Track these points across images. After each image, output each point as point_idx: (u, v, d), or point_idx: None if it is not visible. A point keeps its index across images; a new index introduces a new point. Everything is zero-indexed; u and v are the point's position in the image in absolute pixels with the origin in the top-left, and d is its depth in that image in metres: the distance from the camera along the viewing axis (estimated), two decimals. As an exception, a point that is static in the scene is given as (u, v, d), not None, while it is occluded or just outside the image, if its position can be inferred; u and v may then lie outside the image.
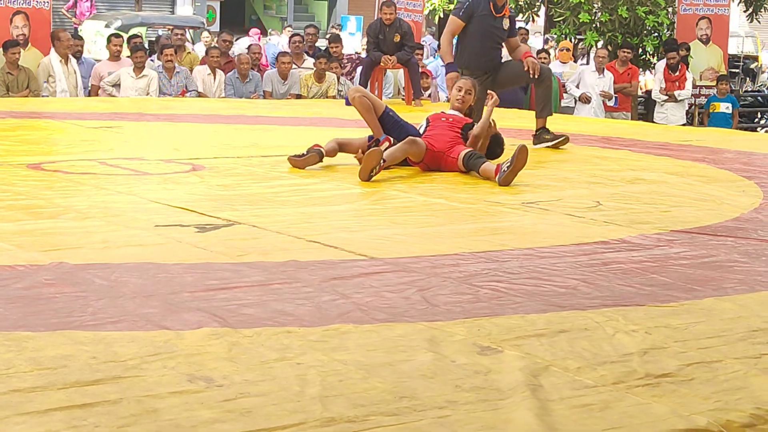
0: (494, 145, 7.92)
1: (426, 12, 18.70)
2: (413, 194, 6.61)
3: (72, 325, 3.47)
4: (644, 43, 17.40)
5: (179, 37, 15.05)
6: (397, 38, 13.50)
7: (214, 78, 14.00)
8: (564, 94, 15.24)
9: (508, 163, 6.93)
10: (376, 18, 14.44)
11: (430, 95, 14.82)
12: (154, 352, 3.22)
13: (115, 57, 13.75)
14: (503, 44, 9.31)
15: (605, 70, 15.19)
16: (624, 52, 15.65)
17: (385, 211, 6.11)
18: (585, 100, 14.87)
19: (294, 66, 14.52)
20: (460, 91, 7.89)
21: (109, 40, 14.08)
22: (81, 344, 3.27)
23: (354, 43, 24.35)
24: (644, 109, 17.47)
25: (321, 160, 7.53)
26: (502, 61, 9.39)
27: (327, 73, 14.40)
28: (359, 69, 14.50)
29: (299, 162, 7.45)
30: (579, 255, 4.91)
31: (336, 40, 15.93)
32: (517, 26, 9.29)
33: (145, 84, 13.28)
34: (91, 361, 3.12)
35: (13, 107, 11.20)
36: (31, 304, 3.72)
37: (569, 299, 4.07)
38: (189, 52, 15.14)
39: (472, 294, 4.09)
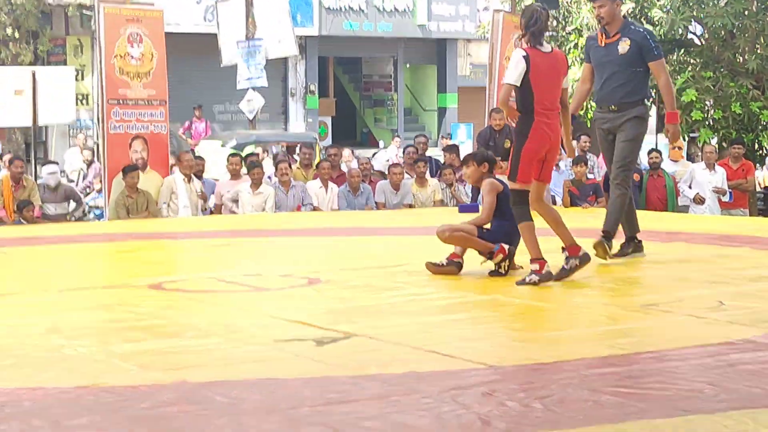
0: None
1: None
2: (529, 299, 6.54)
3: (194, 443, 3.49)
4: (759, 139, 17.16)
5: (307, 156, 15.32)
6: (508, 144, 13.54)
7: (326, 191, 14.18)
8: (680, 194, 15.04)
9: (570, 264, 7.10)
10: (486, 125, 14.52)
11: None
12: (276, 469, 3.21)
13: (234, 175, 14.04)
14: (633, 71, 8.04)
15: (716, 166, 14.96)
16: (735, 148, 15.44)
17: (503, 317, 6.06)
18: (699, 201, 14.66)
19: (406, 176, 14.64)
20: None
21: (227, 159, 14.40)
22: (204, 462, 3.28)
23: (465, 151, 24.48)
24: (764, 204, 17.14)
25: (459, 272, 7.49)
26: (637, 97, 8.13)
27: (429, 178, 14.48)
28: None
29: (437, 270, 7.47)
30: (704, 357, 4.80)
31: (451, 149, 16.02)
32: (653, 46, 8.00)
33: (262, 201, 13.51)
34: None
35: (134, 229, 11.47)
36: (154, 423, 3.75)
37: (695, 403, 3.97)
38: (315, 169, 15.35)
39: (595, 400, 4.01)
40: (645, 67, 8.05)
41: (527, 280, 7.02)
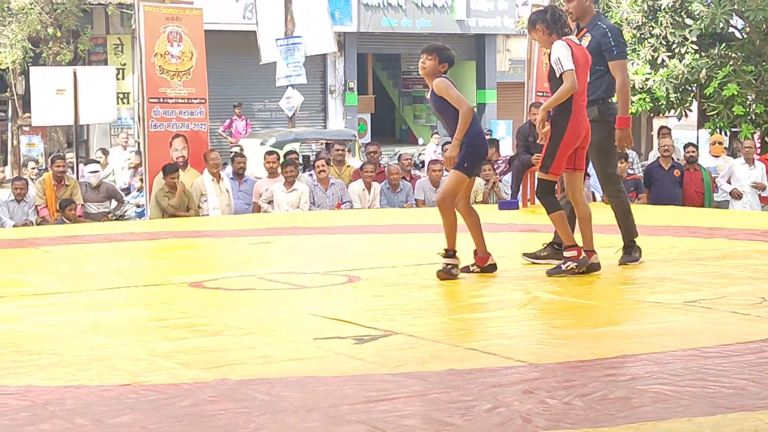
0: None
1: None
2: (569, 297, 6.52)
3: (236, 441, 3.51)
4: (801, 133, 17.03)
5: (340, 152, 15.33)
6: (548, 139, 13.47)
7: (369, 192, 14.16)
8: (717, 189, 14.93)
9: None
10: (525, 121, 14.47)
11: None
12: (317, 467, 3.22)
13: (272, 173, 14.07)
14: (594, 69, 7.54)
15: (756, 161, 14.83)
16: None
17: (543, 315, 6.05)
18: (736, 196, 14.54)
19: (445, 173, 14.63)
20: None
21: (264, 157, 14.44)
22: (245, 461, 3.30)
23: (505, 147, 24.43)
24: (806, 199, 17.00)
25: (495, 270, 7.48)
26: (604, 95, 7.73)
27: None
28: (509, 173, 14.50)
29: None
30: (746, 354, 4.76)
31: (492, 144, 15.99)
32: (613, 44, 7.58)
33: (296, 198, 13.52)
34: (255, 477, 3.14)
35: (175, 227, 11.54)
36: (196, 421, 3.78)
37: (738, 400, 3.95)
38: (348, 166, 15.39)
39: (636, 398, 4.00)
40: (607, 67, 7.64)
41: (563, 267, 7.11)
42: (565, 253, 7.20)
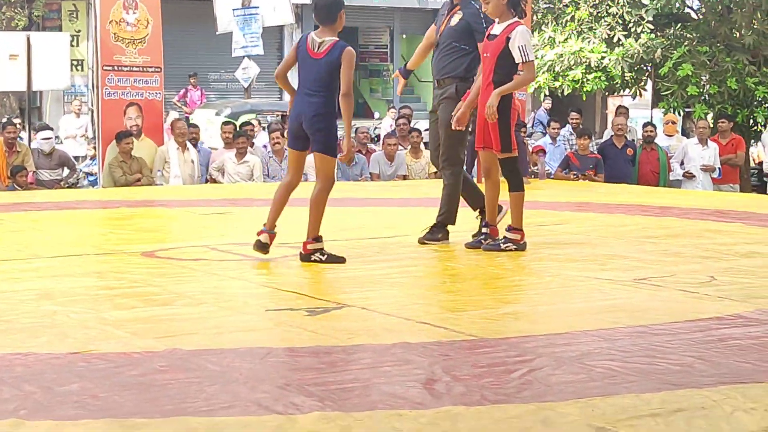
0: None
1: (531, 90, 18.73)
2: (522, 274, 6.56)
3: (186, 411, 3.51)
4: (754, 115, 17.16)
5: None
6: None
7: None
8: (671, 168, 15.05)
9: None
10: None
11: (536, 173, 14.80)
12: (267, 437, 3.23)
13: (228, 144, 14.01)
14: (458, 47, 7.65)
15: (709, 141, 14.94)
16: (722, 122, 15.42)
17: (495, 290, 6.08)
18: (689, 176, 14.67)
19: (400, 147, 14.64)
20: None
21: (221, 128, 14.37)
22: (195, 430, 3.30)
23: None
24: (758, 180, 17.16)
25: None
26: (463, 72, 7.70)
27: (423, 149, 14.48)
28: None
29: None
30: (694, 331, 4.82)
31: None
32: (484, 27, 7.45)
33: (248, 170, 13.48)
34: (204, 446, 3.14)
35: (127, 197, 11.47)
36: (146, 390, 3.77)
37: (685, 377, 3.99)
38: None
39: (585, 373, 4.03)
40: (473, 47, 7.62)
41: (503, 246, 7.25)
42: (509, 234, 7.29)
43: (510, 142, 7.27)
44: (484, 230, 7.50)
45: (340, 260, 6.78)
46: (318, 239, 6.83)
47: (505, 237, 7.33)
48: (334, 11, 6.82)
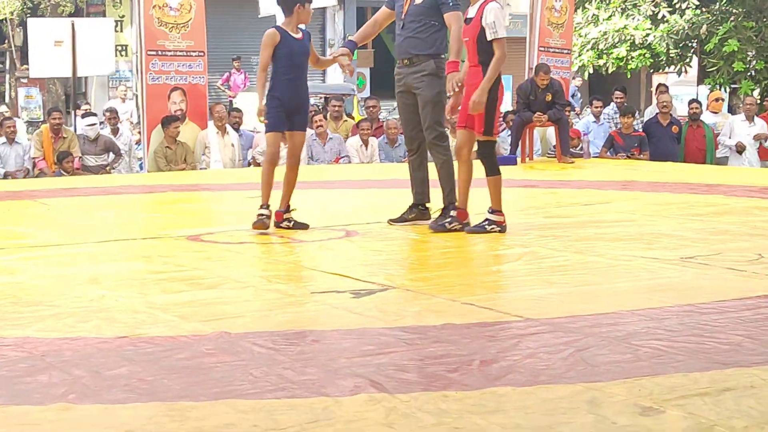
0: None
1: (575, 68, 18.61)
2: (568, 252, 6.54)
3: (233, 393, 3.53)
4: (802, 90, 16.99)
5: (337, 108, 15.28)
6: (549, 98, 13.48)
7: (367, 147, 14.13)
8: (719, 145, 14.93)
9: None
10: (526, 78, 14.42)
11: (582, 151, 14.73)
12: (314, 419, 3.24)
13: (271, 128, 14.01)
14: (427, 23, 7.62)
15: (756, 118, 14.78)
16: None
17: (540, 270, 6.06)
18: (740, 147, 14.50)
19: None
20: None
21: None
22: (242, 413, 3.32)
23: (504, 102, 24.34)
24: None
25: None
26: (431, 51, 7.66)
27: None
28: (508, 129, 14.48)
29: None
30: (742, 310, 4.78)
31: None
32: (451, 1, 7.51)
33: (292, 152, 13.48)
34: (252, 429, 3.16)
35: (173, 181, 11.52)
36: (193, 374, 3.79)
37: (733, 356, 3.96)
38: (345, 121, 15.35)
39: (632, 353, 4.01)
40: (441, 21, 7.58)
41: (488, 228, 7.28)
42: (492, 217, 7.33)
43: (492, 125, 7.29)
44: (452, 213, 7.46)
45: (304, 227, 7.58)
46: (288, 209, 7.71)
47: (488, 219, 7.32)
48: None
